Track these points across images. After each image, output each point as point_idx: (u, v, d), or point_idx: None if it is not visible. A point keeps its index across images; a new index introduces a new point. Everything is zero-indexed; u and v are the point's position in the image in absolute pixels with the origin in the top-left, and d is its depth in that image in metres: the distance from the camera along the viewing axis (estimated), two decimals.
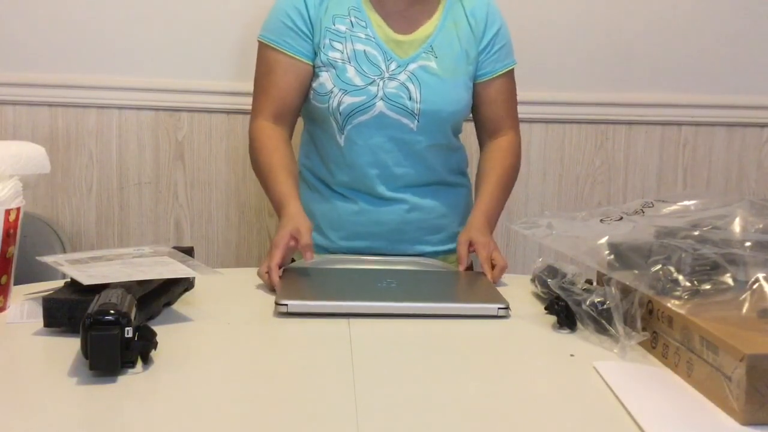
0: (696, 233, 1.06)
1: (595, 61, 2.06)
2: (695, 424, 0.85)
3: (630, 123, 2.10)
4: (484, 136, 1.64)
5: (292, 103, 1.54)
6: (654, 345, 1.04)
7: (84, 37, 1.98)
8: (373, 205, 1.55)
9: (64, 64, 1.98)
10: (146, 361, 0.96)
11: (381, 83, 1.49)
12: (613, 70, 2.06)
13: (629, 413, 0.85)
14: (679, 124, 2.10)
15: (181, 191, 2.05)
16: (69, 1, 1.97)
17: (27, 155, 1.20)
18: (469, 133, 1.70)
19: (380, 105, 1.49)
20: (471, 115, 1.64)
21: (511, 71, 1.61)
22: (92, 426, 0.85)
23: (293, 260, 1.69)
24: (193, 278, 1.25)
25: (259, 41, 1.55)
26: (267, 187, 1.50)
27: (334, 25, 1.51)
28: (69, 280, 1.12)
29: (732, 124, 2.11)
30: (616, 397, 0.90)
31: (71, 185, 2.03)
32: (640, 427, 0.82)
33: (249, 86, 1.96)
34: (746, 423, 0.83)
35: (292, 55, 1.52)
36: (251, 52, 1.97)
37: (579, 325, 1.11)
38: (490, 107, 1.60)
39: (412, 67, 1.51)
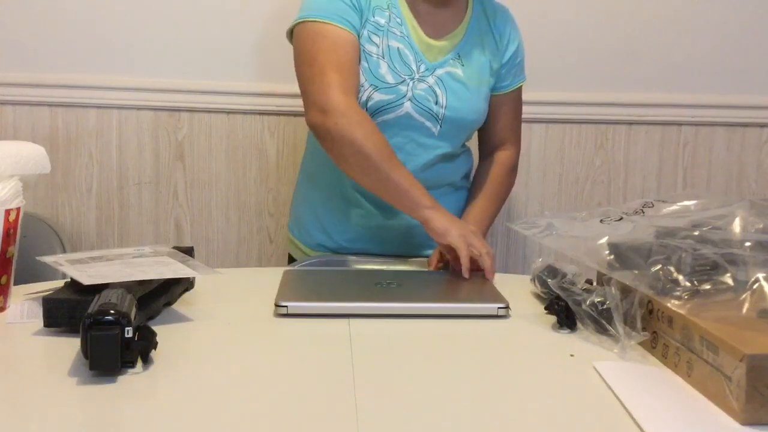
0: (696, 233, 1.06)
1: (595, 61, 2.06)
2: (695, 424, 0.85)
3: (630, 123, 2.10)
4: (486, 147, 1.66)
5: (359, 81, 1.45)
6: (654, 345, 1.04)
7: (84, 37, 1.98)
8: (380, 209, 1.54)
9: (64, 64, 1.98)
10: (146, 361, 0.96)
11: (411, 84, 1.48)
12: (613, 70, 2.06)
13: (629, 413, 0.85)
14: (679, 124, 2.10)
15: (181, 191, 2.05)
16: (69, 1, 1.97)
17: (27, 155, 1.20)
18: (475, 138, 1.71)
19: (408, 106, 1.48)
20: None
21: (521, 87, 1.64)
22: (92, 426, 0.85)
23: (290, 257, 1.69)
24: (193, 278, 1.25)
25: (311, 22, 1.44)
26: (390, 179, 1.38)
27: (374, 16, 1.48)
28: (69, 280, 1.12)
29: (732, 124, 2.11)
30: (616, 397, 0.90)
31: (71, 185, 2.03)
32: (640, 427, 0.82)
33: (249, 86, 1.97)
34: (746, 423, 0.83)
35: (351, 32, 1.44)
36: (251, 52, 1.97)
37: (579, 325, 1.11)
38: (499, 121, 1.62)
39: (439, 72, 1.51)
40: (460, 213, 1.62)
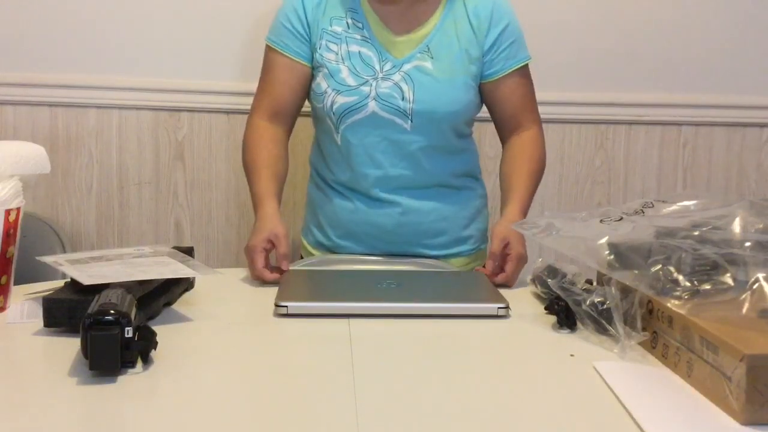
0: (696, 233, 1.06)
1: (595, 61, 2.06)
2: (695, 424, 0.85)
3: (630, 123, 2.10)
4: (504, 133, 1.62)
5: (288, 103, 1.56)
6: (654, 345, 1.04)
7: (84, 37, 1.98)
8: (368, 206, 1.55)
9: (64, 64, 1.98)
10: (146, 361, 0.96)
11: (374, 83, 1.49)
12: (613, 70, 2.06)
13: (629, 413, 0.85)
14: (679, 124, 2.10)
15: (181, 191, 2.05)
16: (69, 1, 1.97)
17: (27, 155, 1.20)
18: (478, 136, 1.69)
19: (372, 105, 1.49)
20: (490, 115, 1.62)
21: (525, 67, 1.58)
22: (92, 426, 0.85)
23: (301, 257, 1.69)
24: (193, 278, 1.25)
25: (266, 42, 1.58)
26: (249, 185, 1.55)
27: (331, 26, 1.52)
28: (69, 280, 1.12)
29: (732, 124, 2.11)
30: (616, 397, 0.90)
31: (71, 185, 2.03)
32: (640, 427, 0.82)
33: (249, 86, 1.96)
34: (746, 423, 0.83)
35: (289, 56, 1.54)
36: (251, 53, 1.97)
37: (579, 325, 1.11)
38: (506, 105, 1.58)
39: (406, 67, 1.51)
40: (465, 213, 1.61)
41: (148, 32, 1.98)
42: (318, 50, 1.52)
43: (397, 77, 1.50)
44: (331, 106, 1.50)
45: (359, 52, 1.51)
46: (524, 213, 1.50)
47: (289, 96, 1.56)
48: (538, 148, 1.59)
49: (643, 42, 2.06)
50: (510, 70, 1.56)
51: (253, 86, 1.62)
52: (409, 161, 1.53)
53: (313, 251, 1.62)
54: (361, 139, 1.52)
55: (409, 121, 1.50)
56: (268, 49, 1.57)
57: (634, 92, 2.08)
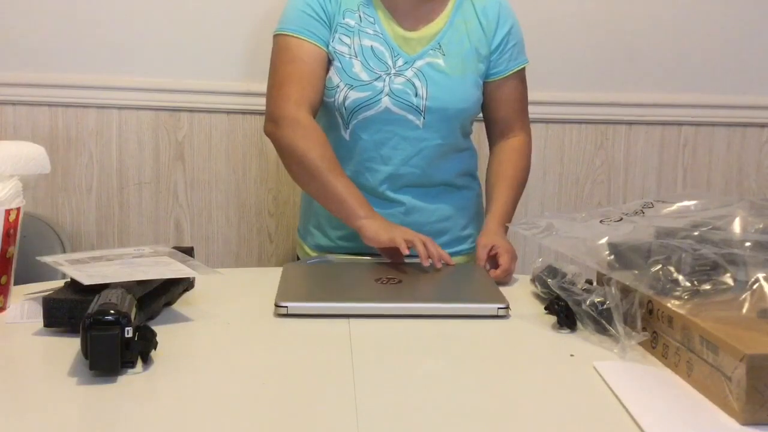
0: (696, 233, 1.06)
1: (595, 61, 2.06)
2: (695, 424, 0.85)
3: (630, 123, 2.10)
4: (494, 136, 1.64)
5: (320, 93, 1.51)
6: (654, 345, 1.04)
7: (84, 36, 1.98)
8: (372, 204, 1.54)
9: (64, 64, 1.98)
10: (146, 361, 0.96)
11: (387, 79, 1.49)
12: (613, 70, 2.06)
13: (629, 413, 0.85)
14: (679, 124, 2.10)
15: (181, 191, 2.05)
16: (69, 2, 1.97)
17: (27, 155, 1.20)
18: (479, 136, 1.70)
19: (386, 101, 1.49)
20: (481, 114, 1.63)
21: (523, 70, 1.60)
22: (92, 426, 0.85)
23: (298, 258, 1.69)
24: (193, 278, 1.25)
25: (278, 35, 1.51)
26: (327, 185, 1.43)
27: (344, 19, 1.51)
28: (69, 280, 1.12)
29: (732, 124, 2.11)
30: (616, 397, 0.90)
31: (71, 185, 2.03)
32: (640, 427, 0.82)
33: (249, 86, 1.96)
34: (746, 423, 0.83)
35: (316, 44, 1.49)
36: (252, 53, 1.97)
37: (579, 325, 1.11)
38: (502, 107, 1.60)
39: (419, 63, 1.51)
40: (466, 212, 1.62)
41: (148, 32, 1.98)
42: (331, 42, 1.51)
43: (409, 73, 1.50)
44: (344, 101, 1.49)
45: (371, 46, 1.51)
46: (505, 225, 1.52)
47: (321, 86, 1.50)
48: (524, 157, 1.62)
49: (643, 42, 2.06)
50: (511, 72, 1.58)
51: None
52: (418, 158, 1.53)
53: (312, 254, 1.61)
54: (372, 135, 1.51)
55: (422, 118, 1.50)
56: (290, 40, 1.49)
57: (634, 92, 2.08)
